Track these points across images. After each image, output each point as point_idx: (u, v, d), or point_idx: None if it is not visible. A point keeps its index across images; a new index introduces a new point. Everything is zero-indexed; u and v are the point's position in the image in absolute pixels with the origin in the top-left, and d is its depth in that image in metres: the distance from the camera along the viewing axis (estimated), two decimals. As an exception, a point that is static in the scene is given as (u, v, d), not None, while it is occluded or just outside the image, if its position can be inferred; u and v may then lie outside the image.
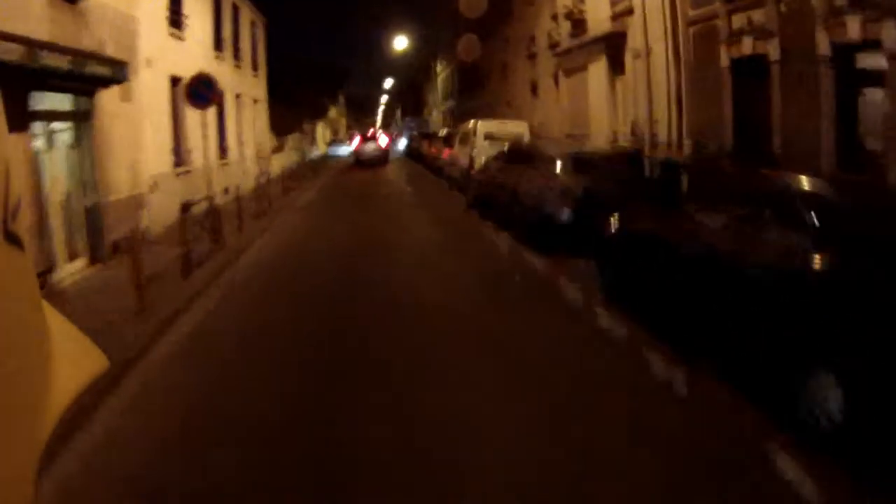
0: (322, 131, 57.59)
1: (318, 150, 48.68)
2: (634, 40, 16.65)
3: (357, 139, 38.00)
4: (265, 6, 25.41)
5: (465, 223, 13.86)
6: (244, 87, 22.48)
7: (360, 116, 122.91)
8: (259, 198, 15.41)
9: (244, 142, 21.95)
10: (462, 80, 44.87)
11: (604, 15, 18.22)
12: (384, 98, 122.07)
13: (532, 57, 25.63)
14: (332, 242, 11.92)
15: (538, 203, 10.10)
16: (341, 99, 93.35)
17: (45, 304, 0.82)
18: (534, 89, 25.74)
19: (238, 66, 21.60)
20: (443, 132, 30.25)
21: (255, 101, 24.75)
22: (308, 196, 20.17)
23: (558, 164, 10.32)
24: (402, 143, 48.02)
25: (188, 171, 15.43)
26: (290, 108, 38.44)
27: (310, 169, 29.03)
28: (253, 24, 24.52)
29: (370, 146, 35.64)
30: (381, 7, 71.83)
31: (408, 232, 12.79)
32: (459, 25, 43.95)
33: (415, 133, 41.47)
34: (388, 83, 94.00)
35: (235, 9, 21.46)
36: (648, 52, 16.00)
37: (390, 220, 14.41)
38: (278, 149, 30.58)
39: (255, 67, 24.84)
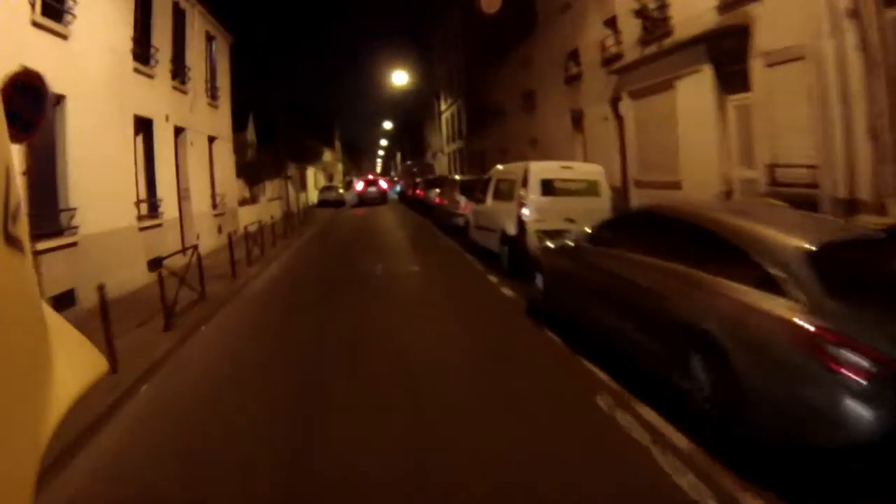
0: (315, 176, 51.83)
1: (309, 197, 42.79)
2: (769, 37, 10.73)
3: (361, 183, 45.09)
4: (248, 44, 19.69)
5: (535, 360, 6.48)
6: (193, 119, 16.55)
7: (358, 162, 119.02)
8: (204, 277, 9.27)
9: (191, 193, 15.91)
10: (472, 117, 39.29)
11: (704, 4, 12.38)
12: (383, 142, 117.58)
13: (573, 79, 19.85)
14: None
15: (792, 388, 3.88)
16: (337, 144, 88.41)
17: (45, 306, 0.80)
18: (577, 121, 19.88)
19: (181, 90, 15.68)
20: (456, 177, 24.38)
21: (213, 140, 18.85)
22: (279, 267, 14.05)
23: (805, 274, 4.09)
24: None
25: (70, 244, 9.38)
26: (272, 149, 32.80)
27: (296, 222, 23.10)
28: (210, 37, 18.78)
29: (371, 189, 42.04)
30: (378, 42, 66.63)
31: (430, 388, 5.73)
32: (466, 46, 38.71)
33: (418, 180, 35.73)
34: (387, 126, 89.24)
35: (178, 10, 15.64)
36: (801, 55, 10.06)
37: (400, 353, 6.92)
38: (250, 200, 24.54)
39: (212, 95, 19.00)
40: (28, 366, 0.73)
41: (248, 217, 21.99)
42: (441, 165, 48.87)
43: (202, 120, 17.69)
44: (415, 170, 42.67)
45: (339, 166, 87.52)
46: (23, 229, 0.73)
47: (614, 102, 16.92)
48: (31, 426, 0.72)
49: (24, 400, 0.71)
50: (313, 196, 43.01)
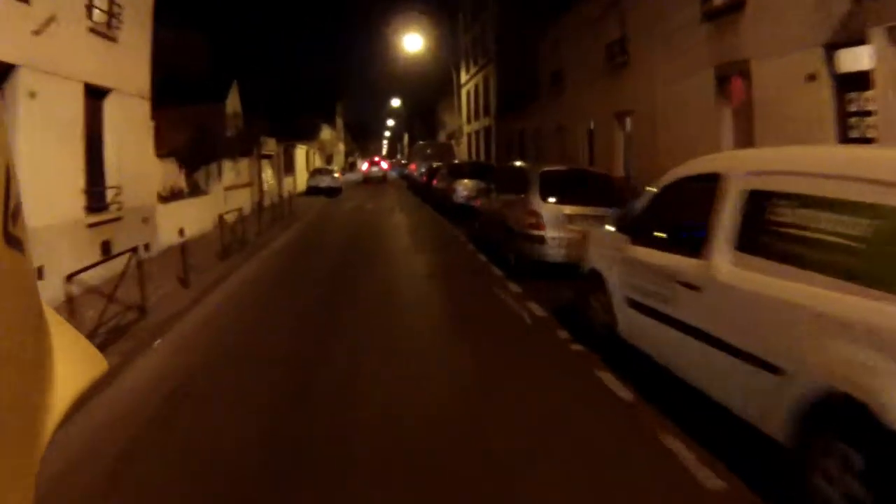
0: (310, 157, 43.67)
1: (298, 183, 34.64)
2: None
3: (366, 164, 57.04)
4: None
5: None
6: (43, 50, 8.61)
7: (363, 143, 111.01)
8: None
9: (31, 187, 7.91)
10: (505, 89, 31.09)
11: None
12: (390, 122, 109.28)
13: (722, 13, 11.69)
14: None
15: None
16: (339, 122, 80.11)
17: (45, 306, 0.77)
18: (723, 82, 11.76)
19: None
20: (543, 167, 15.73)
21: (102, 94, 10.87)
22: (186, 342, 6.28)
23: None
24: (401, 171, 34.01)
25: None
26: (247, 122, 24.77)
27: (265, 221, 15.11)
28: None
29: (374, 169, 52.88)
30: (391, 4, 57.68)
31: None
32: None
33: (436, 165, 27.53)
34: (395, 103, 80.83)
35: None
36: None
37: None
38: (190, 190, 16.42)
39: (107, 22, 10.94)
40: (28, 366, 0.69)
41: (180, 218, 13.93)
42: (460, 148, 40.72)
43: (73, 56, 9.66)
44: (429, 151, 34.45)
45: (341, 146, 79.32)
46: (23, 229, 0.69)
47: (831, 51, 8.87)
48: (31, 426, 0.68)
49: (24, 400, 0.67)
50: (304, 181, 34.79)
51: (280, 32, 50.03)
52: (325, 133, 57.85)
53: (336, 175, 34.68)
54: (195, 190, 16.68)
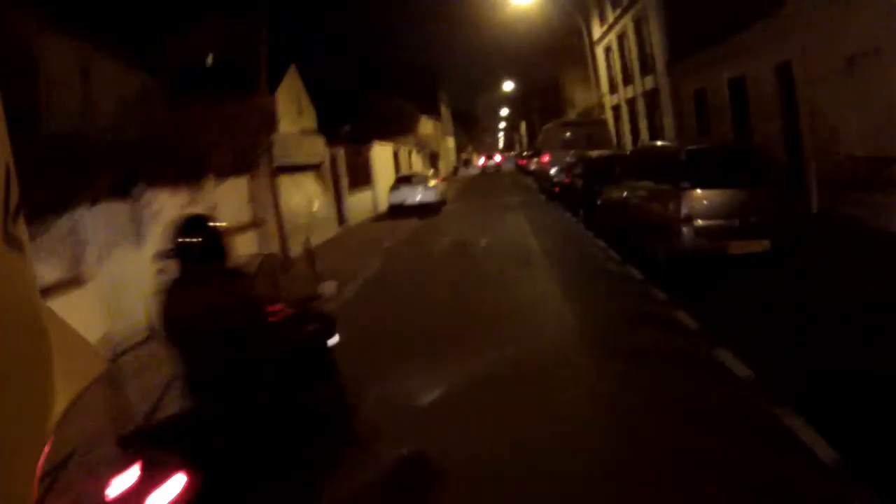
0: (401, 159, 33.74)
1: (377, 199, 24.41)
2: None
3: (483, 159, 68.72)
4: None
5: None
6: None
7: (477, 135, 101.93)
8: None
9: None
10: (681, 26, 19.49)
11: None
12: (503, 112, 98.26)
13: None
14: None
15: None
16: (445, 112, 70.15)
17: (44, 306, 0.81)
18: None
19: None
20: None
21: None
22: None
23: None
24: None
25: None
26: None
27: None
28: None
29: (490, 164, 65.06)
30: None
31: None
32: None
33: (580, 156, 16.52)
34: (508, 87, 69.52)
35: None
36: None
37: None
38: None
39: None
40: (27, 365, 0.71)
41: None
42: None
43: None
44: (568, 135, 22.35)
45: (450, 142, 69.34)
46: (23, 229, 0.73)
47: None
48: (31, 424, 0.70)
49: (24, 398, 0.69)
50: (383, 197, 24.49)
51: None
52: (426, 125, 47.89)
53: (432, 183, 23.93)
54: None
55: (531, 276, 9.79)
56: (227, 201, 11.67)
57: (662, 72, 21.13)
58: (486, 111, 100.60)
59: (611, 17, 28.18)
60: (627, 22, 25.19)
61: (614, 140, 23.40)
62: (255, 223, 12.81)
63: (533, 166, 40.62)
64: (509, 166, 59.97)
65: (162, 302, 2.92)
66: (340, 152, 20.67)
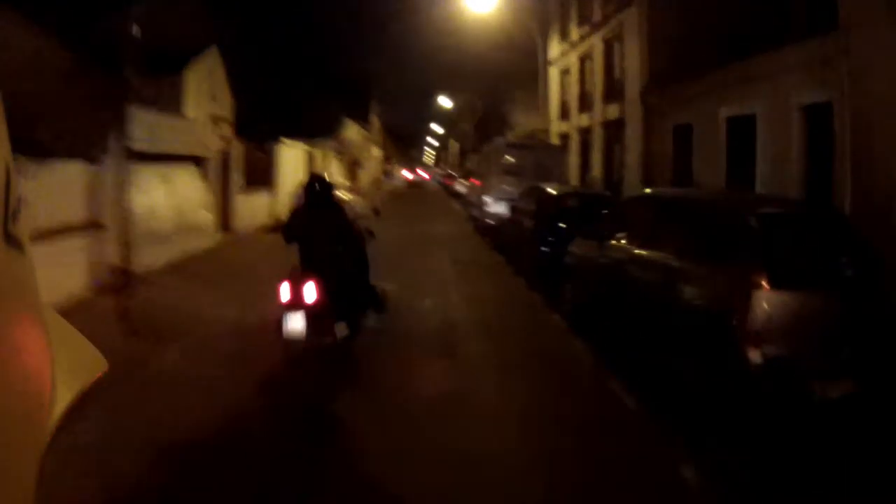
0: (316, 163, 29.48)
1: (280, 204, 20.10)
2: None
3: (410, 175, 68.26)
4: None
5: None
6: None
7: (406, 151, 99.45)
8: None
9: None
10: (667, 47, 16.44)
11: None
12: (438, 129, 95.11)
13: None
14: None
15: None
16: (376, 122, 66.12)
17: (45, 306, 0.81)
18: None
19: None
20: None
21: None
22: None
23: None
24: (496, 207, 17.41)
25: None
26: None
27: None
28: None
29: (416, 179, 64.40)
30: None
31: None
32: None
33: (529, 187, 13.04)
34: (446, 103, 66.06)
35: None
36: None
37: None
38: None
39: None
40: (28, 366, 0.71)
41: None
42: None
43: None
44: (512, 160, 17.74)
45: (376, 151, 65.29)
46: (23, 229, 0.72)
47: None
48: (31, 426, 0.71)
49: (24, 400, 0.69)
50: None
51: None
52: (352, 130, 43.71)
53: (348, 196, 19.61)
54: None
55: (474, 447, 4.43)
56: (48, 193, 7.44)
57: (634, 100, 18.02)
58: (417, 125, 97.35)
59: (575, 35, 25.07)
60: (596, 41, 22.07)
61: (567, 172, 20.02)
62: (91, 225, 8.46)
63: (461, 188, 37.13)
64: (434, 185, 58.04)
65: (292, 216, 6.22)
66: (236, 147, 16.38)
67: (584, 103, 23.71)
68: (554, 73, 28.05)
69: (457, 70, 51.13)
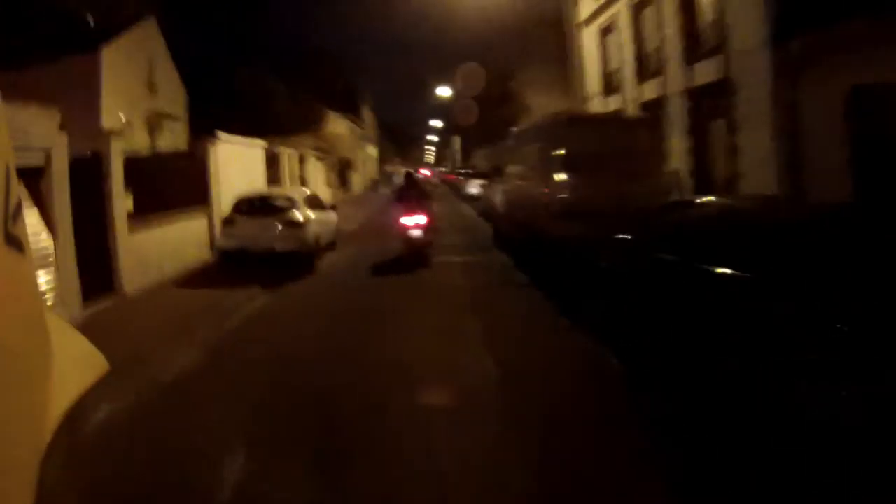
0: (291, 166, 23.00)
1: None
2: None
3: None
4: None
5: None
6: None
7: (405, 150, 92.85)
8: None
9: None
10: None
11: None
12: (436, 123, 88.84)
13: None
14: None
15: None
16: (370, 118, 59.55)
17: (45, 306, 0.79)
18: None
19: None
20: None
21: None
22: None
23: None
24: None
25: None
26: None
27: None
28: None
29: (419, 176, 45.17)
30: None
31: None
32: None
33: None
34: (445, 92, 59.20)
35: None
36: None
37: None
38: None
39: None
40: (28, 366, 0.70)
41: None
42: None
43: None
44: (585, 143, 10.28)
45: (372, 150, 58.78)
46: (23, 229, 0.71)
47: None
48: (32, 426, 0.70)
49: (25, 399, 0.68)
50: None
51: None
52: (337, 124, 37.12)
53: (303, 215, 12.47)
54: None
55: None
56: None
57: (753, 51, 11.38)
58: (417, 125, 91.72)
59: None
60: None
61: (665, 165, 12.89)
62: None
63: (473, 190, 30.61)
64: (436, 181, 54.04)
65: (394, 193, 15.01)
66: (118, 147, 9.89)
67: (646, 68, 17.08)
68: (590, 36, 21.40)
69: (461, 53, 44.60)
